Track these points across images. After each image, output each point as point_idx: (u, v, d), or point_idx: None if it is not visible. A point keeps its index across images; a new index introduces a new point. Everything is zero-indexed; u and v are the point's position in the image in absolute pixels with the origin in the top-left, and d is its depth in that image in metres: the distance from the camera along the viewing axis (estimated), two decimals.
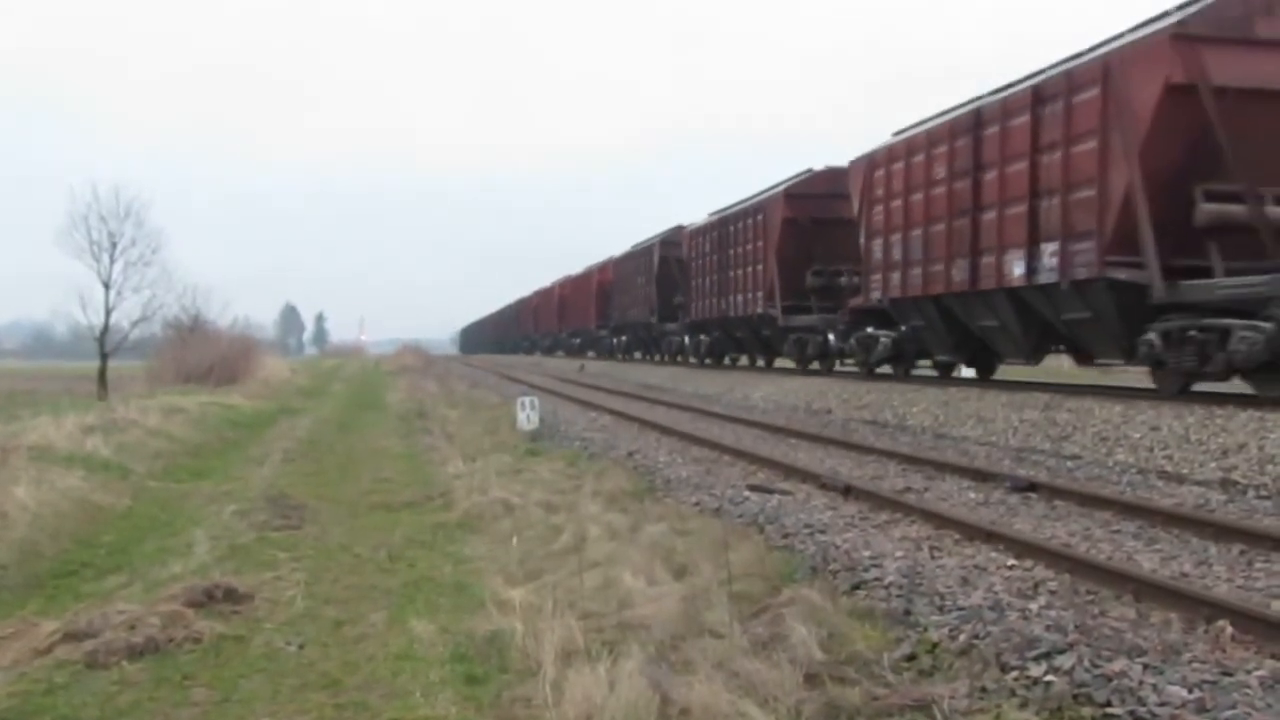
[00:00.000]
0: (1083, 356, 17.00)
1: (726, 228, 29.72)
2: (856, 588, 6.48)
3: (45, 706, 5.00)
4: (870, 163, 20.77)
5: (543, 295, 68.29)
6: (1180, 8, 13.54)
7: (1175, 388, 14.07)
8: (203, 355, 32.00)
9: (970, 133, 17.07)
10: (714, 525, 8.34)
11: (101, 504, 10.38)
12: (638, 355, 44.15)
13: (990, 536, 7.76)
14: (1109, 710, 4.32)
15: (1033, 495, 9.85)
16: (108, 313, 41.30)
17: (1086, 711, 4.35)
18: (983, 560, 7.15)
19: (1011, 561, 7.10)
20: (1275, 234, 12.91)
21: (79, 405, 19.51)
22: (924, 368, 21.59)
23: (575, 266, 55.74)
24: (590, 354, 51.93)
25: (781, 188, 26.17)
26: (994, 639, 5.15)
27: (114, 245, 41.14)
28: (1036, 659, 4.84)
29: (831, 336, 24.07)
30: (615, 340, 46.58)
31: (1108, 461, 11.73)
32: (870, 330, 21.81)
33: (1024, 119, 15.66)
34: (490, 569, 7.46)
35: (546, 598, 6.14)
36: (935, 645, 5.27)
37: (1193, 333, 13.18)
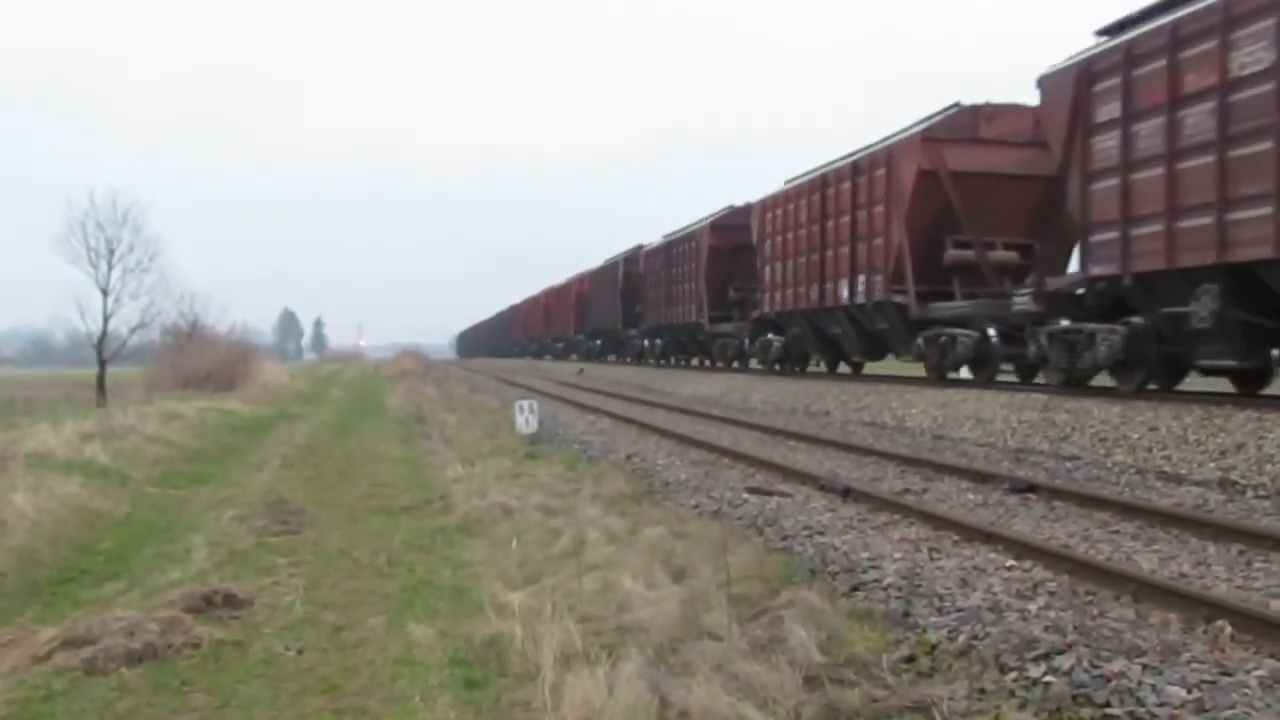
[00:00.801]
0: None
1: (671, 250, 35.77)
2: (855, 589, 6.47)
3: (44, 713, 4.99)
4: (764, 205, 26.81)
5: (531, 303, 72.19)
6: (937, 113, 19.27)
7: (935, 376, 19.75)
8: (201, 361, 31.97)
9: (820, 190, 23.11)
10: (713, 528, 8.33)
11: (100, 510, 10.37)
12: (611, 358, 49.11)
13: (989, 538, 7.76)
14: (1108, 711, 4.32)
15: (1031, 496, 9.85)
16: (106, 319, 41.39)
17: (1086, 712, 4.34)
18: (982, 561, 7.14)
19: (1010, 562, 7.10)
20: (994, 270, 18.67)
21: (77, 412, 19.52)
22: (814, 365, 26.73)
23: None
24: (573, 356, 55.84)
25: (709, 220, 32.05)
26: (993, 640, 5.15)
27: (111, 252, 41.29)
28: (1035, 660, 4.84)
29: (746, 341, 29.36)
30: (591, 344, 51.66)
31: (1106, 462, 11.73)
32: (769, 336, 27.31)
33: (848, 184, 21.70)
34: (489, 573, 7.45)
35: (545, 601, 6.13)
36: (934, 647, 5.27)
37: (942, 339, 19.05)
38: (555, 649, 5.20)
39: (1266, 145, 11.49)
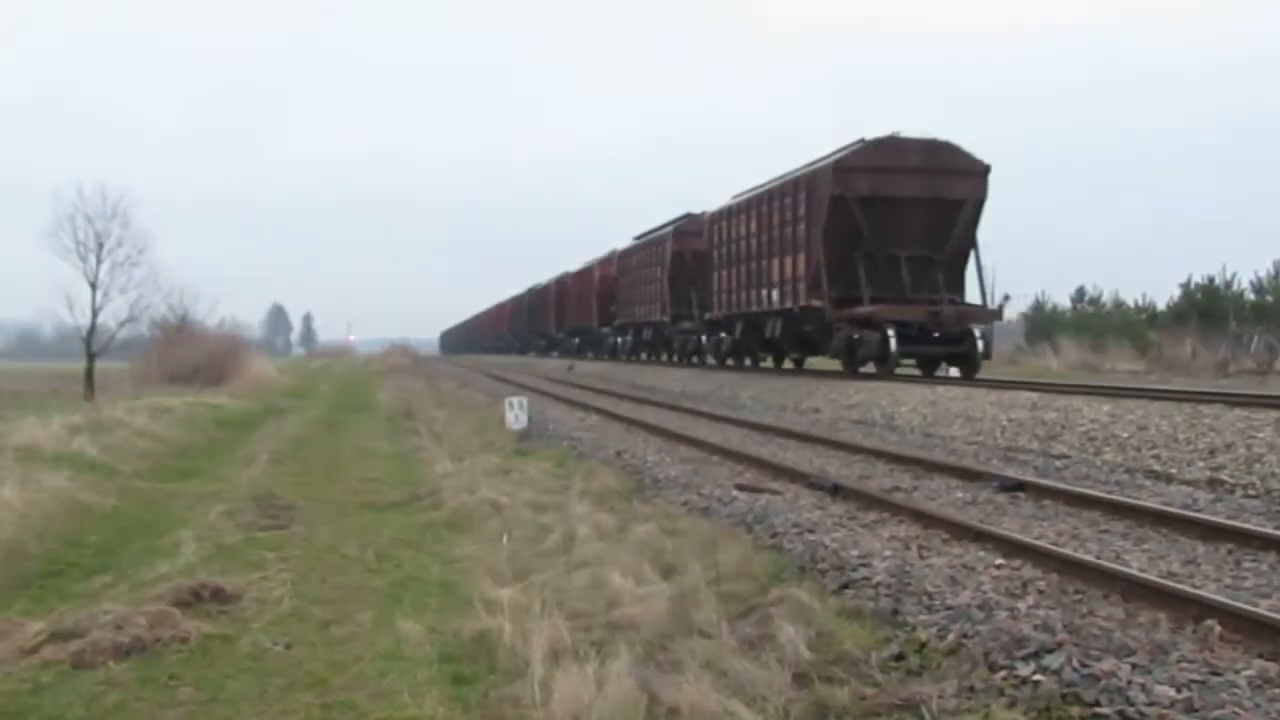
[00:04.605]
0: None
1: (760, 207, 25.95)
2: (845, 587, 6.48)
3: (31, 706, 4.96)
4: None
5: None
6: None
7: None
8: (190, 355, 31.90)
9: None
10: (702, 525, 8.34)
11: (88, 504, 10.31)
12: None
13: (979, 536, 7.76)
14: (1097, 710, 4.32)
15: (1021, 495, 9.86)
16: (94, 313, 41.23)
17: (1075, 711, 4.35)
18: (971, 559, 7.15)
19: (1000, 561, 7.10)
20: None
21: (66, 405, 19.41)
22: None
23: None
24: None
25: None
26: (982, 638, 5.16)
27: (100, 245, 41.09)
28: (1025, 658, 4.84)
29: None
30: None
31: (1095, 461, 11.76)
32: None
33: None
34: (478, 569, 7.44)
35: (534, 597, 6.12)
36: (923, 645, 5.27)
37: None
38: (544, 645, 5.20)
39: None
